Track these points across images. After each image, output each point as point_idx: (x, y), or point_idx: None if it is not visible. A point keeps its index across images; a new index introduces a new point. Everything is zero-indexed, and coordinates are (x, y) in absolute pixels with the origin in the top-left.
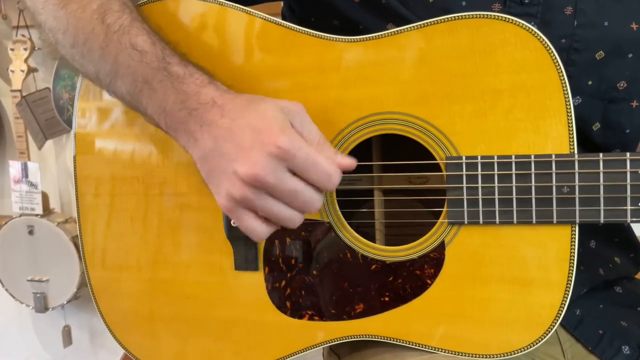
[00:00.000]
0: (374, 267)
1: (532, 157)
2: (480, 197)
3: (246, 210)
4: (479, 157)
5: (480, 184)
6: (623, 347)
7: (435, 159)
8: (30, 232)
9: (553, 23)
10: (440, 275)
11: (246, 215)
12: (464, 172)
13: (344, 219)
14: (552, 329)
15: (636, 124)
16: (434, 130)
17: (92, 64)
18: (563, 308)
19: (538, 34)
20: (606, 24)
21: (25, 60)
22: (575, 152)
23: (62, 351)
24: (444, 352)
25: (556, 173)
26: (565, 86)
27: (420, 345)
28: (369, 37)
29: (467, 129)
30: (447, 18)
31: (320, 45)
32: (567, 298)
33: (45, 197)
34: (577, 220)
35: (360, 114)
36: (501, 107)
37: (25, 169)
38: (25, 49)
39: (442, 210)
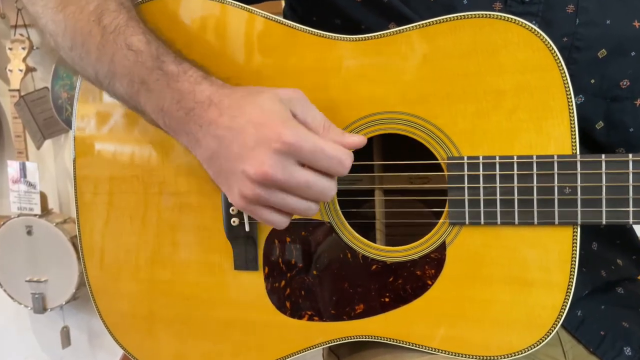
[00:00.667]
0: (374, 267)
1: (534, 157)
2: (481, 197)
3: (262, 207)
4: (481, 158)
5: (481, 185)
6: (625, 348)
7: (436, 159)
8: (29, 233)
9: (554, 22)
10: (441, 276)
11: (263, 211)
12: (466, 172)
13: (344, 219)
14: (553, 331)
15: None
16: (435, 130)
17: (91, 65)
18: (564, 309)
19: (540, 34)
20: (608, 22)
21: (24, 60)
22: (578, 153)
23: (60, 352)
24: (445, 353)
25: (558, 174)
26: (568, 87)
27: (421, 346)
28: (370, 37)
29: (469, 129)
30: (449, 18)
31: (322, 44)
32: (568, 299)
33: (43, 197)
34: (579, 221)
35: (362, 114)
36: (504, 107)
37: (23, 169)
38: (23, 48)
39: (443, 211)
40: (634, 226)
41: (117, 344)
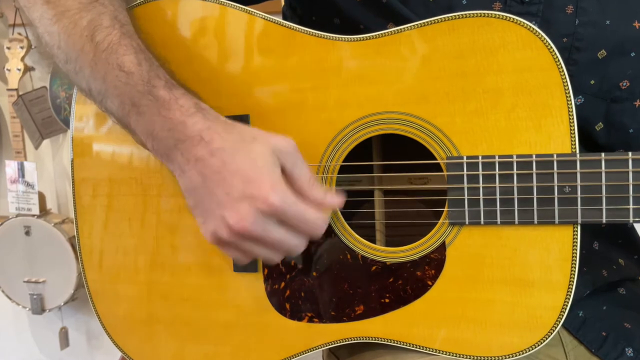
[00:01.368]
0: (374, 268)
1: (534, 156)
2: (481, 197)
3: (230, 247)
4: (480, 157)
5: (481, 184)
6: (627, 349)
7: (435, 159)
8: (27, 233)
9: (554, 22)
10: (441, 277)
11: (230, 250)
12: (465, 172)
13: (343, 220)
14: (554, 331)
15: (638, 122)
16: (434, 130)
17: (84, 81)
18: (565, 309)
19: (539, 33)
20: (608, 22)
21: (22, 59)
22: (577, 151)
23: (59, 353)
24: (445, 354)
25: (558, 173)
26: (567, 85)
27: (421, 347)
28: (369, 37)
29: (468, 128)
30: (448, 17)
31: (320, 44)
32: (569, 299)
33: (41, 198)
34: (579, 220)
35: (361, 114)
36: (502, 106)
37: (21, 169)
38: (21, 48)
39: (442, 211)
40: (635, 225)
41: (115, 346)
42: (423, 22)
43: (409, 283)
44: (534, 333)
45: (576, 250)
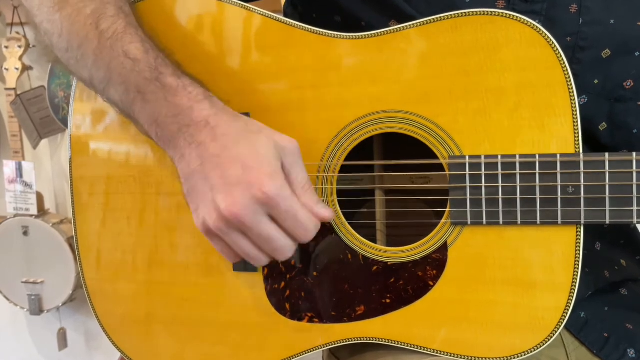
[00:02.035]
0: (375, 268)
1: (537, 156)
2: (483, 197)
3: (217, 237)
4: (483, 157)
5: (483, 184)
6: (629, 350)
7: (437, 159)
8: (25, 233)
9: (558, 21)
10: (442, 277)
11: (218, 242)
12: (467, 172)
13: (344, 219)
14: (556, 332)
15: None
16: (436, 129)
17: (86, 69)
18: (568, 311)
19: (543, 32)
20: (612, 21)
21: (20, 58)
22: (581, 151)
23: (57, 354)
24: (446, 355)
25: (561, 173)
26: (571, 84)
27: (422, 348)
28: (371, 34)
29: (470, 127)
30: (451, 15)
31: (321, 42)
32: (571, 300)
33: (40, 198)
34: (583, 220)
35: (362, 113)
36: (505, 105)
37: (19, 169)
38: (19, 47)
39: (444, 211)
40: (638, 226)
41: (114, 346)
42: (425, 20)
43: (410, 283)
44: (536, 334)
45: (579, 251)
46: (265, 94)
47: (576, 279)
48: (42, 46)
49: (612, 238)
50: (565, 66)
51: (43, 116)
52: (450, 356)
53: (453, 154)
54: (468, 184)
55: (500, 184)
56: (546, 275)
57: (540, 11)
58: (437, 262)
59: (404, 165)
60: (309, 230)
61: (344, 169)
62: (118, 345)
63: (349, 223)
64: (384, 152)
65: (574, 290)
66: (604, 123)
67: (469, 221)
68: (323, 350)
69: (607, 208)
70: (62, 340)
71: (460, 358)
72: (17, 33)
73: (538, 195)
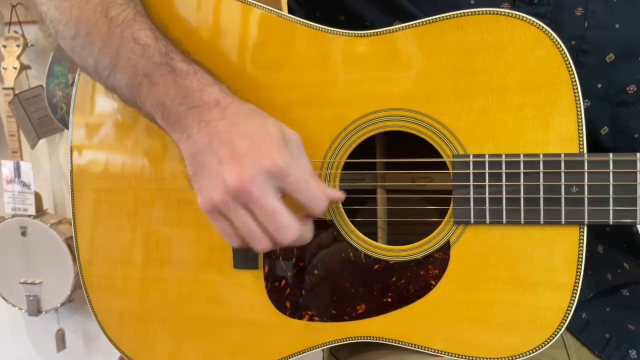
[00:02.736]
0: (376, 267)
1: (541, 156)
2: (487, 196)
3: (223, 217)
4: (487, 156)
5: (487, 183)
6: (630, 351)
7: (440, 157)
8: (23, 234)
9: (563, 24)
10: (444, 276)
11: (221, 222)
12: (471, 171)
13: (346, 217)
14: (558, 333)
15: None
16: (440, 128)
17: (92, 56)
18: (570, 311)
19: (548, 31)
20: (617, 26)
21: (18, 57)
22: (585, 151)
23: (55, 355)
24: (448, 355)
25: (565, 173)
26: (576, 84)
27: (423, 348)
28: (375, 32)
29: (474, 126)
30: (456, 14)
31: (327, 39)
32: (574, 301)
33: (38, 198)
34: (586, 220)
35: (366, 110)
36: (510, 105)
37: (17, 169)
38: (17, 46)
39: (447, 209)
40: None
41: (112, 344)
42: (430, 19)
43: (412, 282)
44: (538, 334)
45: (582, 251)
46: (268, 91)
47: (579, 280)
48: (46, 35)
49: (614, 241)
50: (571, 66)
51: (41, 116)
52: (451, 356)
53: (457, 153)
54: (472, 183)
55: (503, 182)
56: (549, 275)
57: (545, 14)
58: (439, 261)
59: (406, 163)
60: (320, 201)
61: (346, 166)
62: (115, 343)
63: (351, 221)
64: (387, 150)
65: (577, 290)
66: (605, 127)
67: (472, 220)
68: (323, 350)
69: (611, 208)
70: (61, 341)
71: (462, 358)
72: (15, 32)
73: (541, 195)
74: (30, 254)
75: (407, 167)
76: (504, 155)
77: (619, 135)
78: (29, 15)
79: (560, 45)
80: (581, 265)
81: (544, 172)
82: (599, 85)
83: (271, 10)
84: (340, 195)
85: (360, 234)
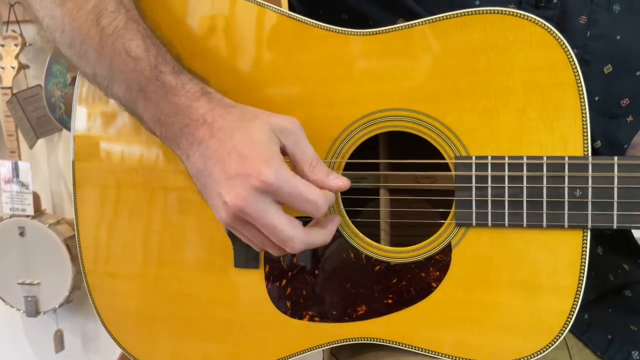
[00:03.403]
0: (377, 268)
1: (545, 158)
2: (489, 198)
3: (235, 229)
4: (489, 158)
5: (489, 185)
6: (633, 352)
7: (443, 158)
8: (21, 234)
9: (567, 30)
10: (446, 278)
11: (242, 235)
12: (474, 173)
13: (348, 218)
14: (561, 336)
15: (630, 137)
16: (443, 129)
17: (89, 66)
18: (572, 314)
19: (553, 31)
20: (618, 37)
21: (16, 57)
22: (590, 154)
23: (54, 357)
24: (449, 357)
25: (569, 176)
26: (581, 85)
27: (424, 350)
28: (378, 31)
29: (477, 127)
30: (459, 13)
31: (330, 38)
32: (577, 304)
33: (36, 198)
34: (589, 224)
35: (368, 110)
36: (514, 106)
37: (15, 169)
38: (16, 45)
39: (449, 211)
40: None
41: (114, 341)
42: (433, 18)
43: (413, 284)
44: (540, 338)
45: (585, 255)
46: (270, 89)
47: (582, 283)
48: (45, 40)
49: (612, 243)
50: (576, 67)
51: (39, 115)
52: (452, 358)
53: (459, 154)
54: (474, 185)
55: (506, 185)
56: (551, 278)
57: (552, 17)
58: (440, 263)
59: (409, 164)
60: (320, 205)
61: (348, 167)
62: (118, 340)
63: (352, 222)
64: (390, 150)
65: (579, 294)
66: (598, 141)
67: (473, 222)
68: (323, 350)
69: (615, 213)
70: (59, 342)
71: None
72: (14, 31)
73: (545, 198)
74: (29, 255)
75: (410, 168)
76: (507, 157)
77: (610, 149)
78: (27, 15)
79: (566, 46)
80: (584, 269)
81: (547, 175)
82: (597, 98)
83: (271, 7)
84: (344, 183)
85: (362, 235)
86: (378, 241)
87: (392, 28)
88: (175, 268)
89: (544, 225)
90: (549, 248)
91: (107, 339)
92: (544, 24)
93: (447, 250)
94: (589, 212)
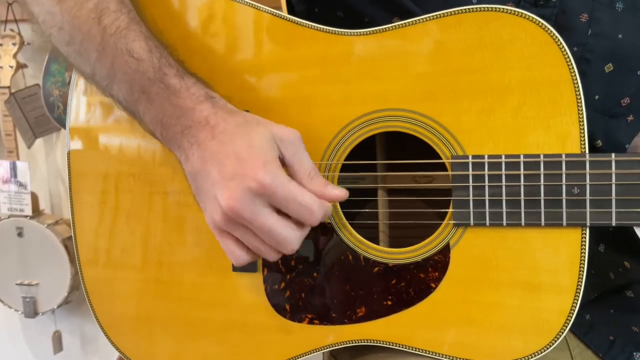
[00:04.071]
0: (376, 269)
1: (542, 156)
2: (487, 197)
3: (227, 234)
4: (486, 157)
5: (487, 184)
6: (635, 353)
7: (440, 158)
8: (20, 234)
9: (567, 29)
10: (445, 279)
11: (226, 239)
12: (470, 172)
13: (345, 220)
14: (561, 335)
15: (631, 137)
16: (439, 128)
17: (89, 65)
18: (573, 314)
19: (549, 29)
20: (620, 36)
21: (14, 56)
22: (587, 151)
23: (52, 358)
24: (449, 358)
25: (566, 173)
26: (577, 83)
27: (424, 351)
28: (374, 31)
29: (474, 127)
30: (455, 11)
31: (324, 38)
32: (577, 303)
33: (34, 198)
34: (588, 222)
35: (364, 110)
36: (510, 104)
37: (14, 169)
38: (14, 44)
39: (447, 211)
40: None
41: (112, 345)
42: (429, 16)
43: (411, 285)
44: (540, 338)
45: (584, 253)
46: (266, 91)
47: (581, 282)
48: (40, 34)
49: (614, 240)
50: (572, 64)
51: (38, 115)
52: (451, 359)
53: (456, 154)
54: (471, 184)
55: (503, 184)
56: (551, 277)
57: (550, 16)
58: (439, 263)
59: (406, 164)
60: (315, 211)
61: (345, 168)
62: (116, 344)
63: (350, 223)
64: (387, 151)
65: (579, 292)
66: (599, 140)
67: (471, 222)
68: (323, 352)
69: (614, 210)
70: (58, 343)
71: None
72: (12, 30)
73: (542, 196)
74: (27, 255)
75: (407, 169)
76: (503, 156)
77: (611, 148)
78: (26, 14)
79: (561, 43)
80: (584, 267)
81: (544, 173)
82: (597, 97)
83: (267, 10)
84: (342, 193)
85: (359, 236)
86: (377, 242)
87: (387, 27)
88: (173, 271)
89: (543, 224)
90: (547, 246)
91: (106, 340)
92: (539, 21)
93: (445, 250)
94: (587, 209)
